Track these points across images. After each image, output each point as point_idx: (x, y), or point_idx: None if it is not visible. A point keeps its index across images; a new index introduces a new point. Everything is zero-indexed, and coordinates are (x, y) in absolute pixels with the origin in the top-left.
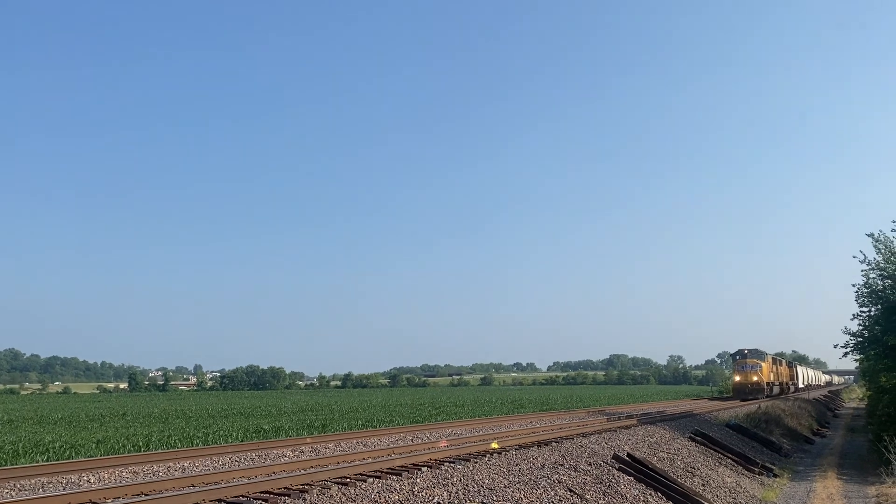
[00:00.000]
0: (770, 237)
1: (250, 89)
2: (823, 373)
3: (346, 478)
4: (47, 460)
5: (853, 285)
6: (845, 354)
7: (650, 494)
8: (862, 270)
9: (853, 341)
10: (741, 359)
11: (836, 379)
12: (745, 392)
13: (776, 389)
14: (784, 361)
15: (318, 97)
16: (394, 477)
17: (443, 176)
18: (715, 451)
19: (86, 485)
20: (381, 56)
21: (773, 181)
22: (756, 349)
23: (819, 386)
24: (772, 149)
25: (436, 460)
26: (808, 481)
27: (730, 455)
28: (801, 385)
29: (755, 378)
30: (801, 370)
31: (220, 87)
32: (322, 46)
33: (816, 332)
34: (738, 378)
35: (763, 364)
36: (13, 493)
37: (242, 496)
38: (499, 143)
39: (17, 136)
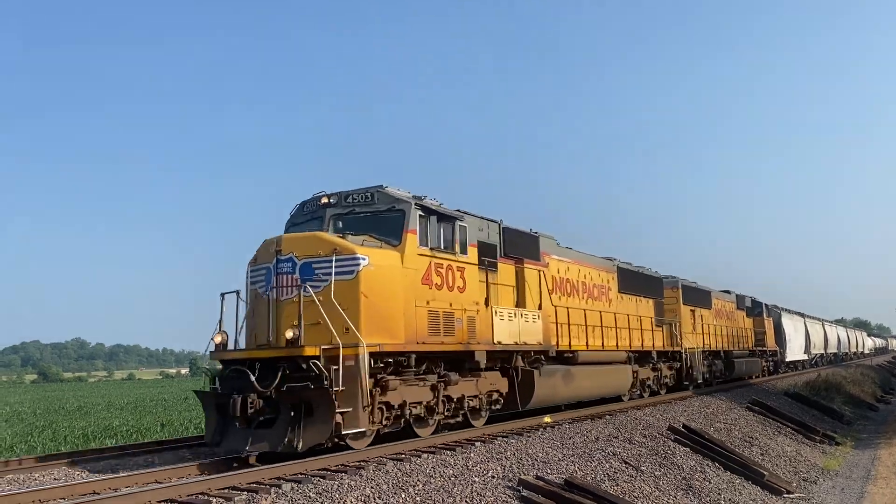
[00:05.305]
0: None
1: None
2: (870, 335)
3: (401, 453)
4: (116, 443)
5: None
6: None
7: (707, 465)
8: None
9: None
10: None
11: (894, 344)
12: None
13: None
14: (726, 298)
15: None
16: (448, 452)
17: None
18: (774, 420)
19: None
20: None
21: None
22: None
23: (858, 354)
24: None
25: (489, 435)
26: (871, 449)
27: (789, 424)
28: (793, 355)
29: (290, 334)
30: (792, 324)
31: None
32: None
33: (881, 298)
34: (217, 339)
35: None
36: (84, 475)
37: (300, 474)
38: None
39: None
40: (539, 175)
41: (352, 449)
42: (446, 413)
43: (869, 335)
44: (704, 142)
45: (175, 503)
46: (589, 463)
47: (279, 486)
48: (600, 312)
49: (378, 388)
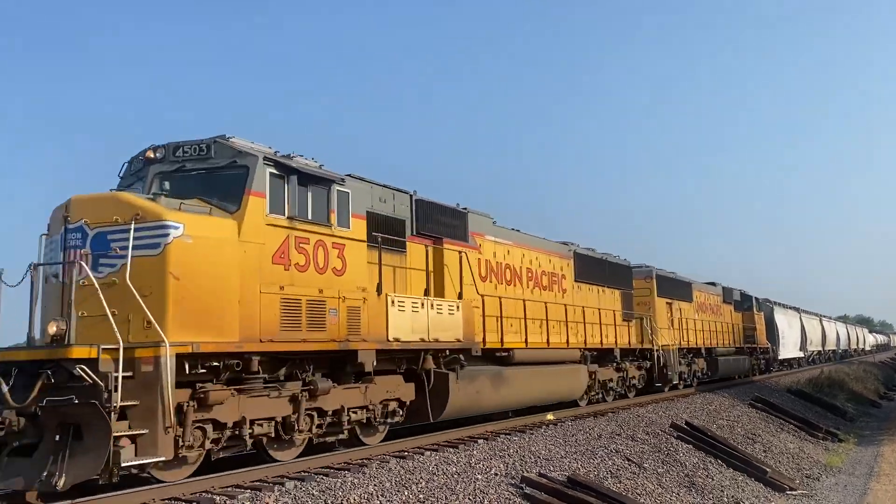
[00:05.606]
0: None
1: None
2: (872, 332)
3: (404, 451)
4: None
5: None
6: None
7: (710, 461)
8: None
9: None
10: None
11: None
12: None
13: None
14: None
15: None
16: (450, 449)
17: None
18: (777, 417)
19: None
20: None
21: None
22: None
23: (859, 351)
24: None
25: (491, 432)
26: (875, 445)
27: (792, 421)
28: (788, 353)
29: (52, 329)
30: (785, 319)
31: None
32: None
33: (884, 295)
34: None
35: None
36: None
37: (304, 472)
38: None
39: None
40: (539, 174)
41: (162, 482)
42: (317, 430)
43: (871, 332)
44: (705, 140)
45: (178, 502)
46: (591, 460)
47: (282, 484)
48: (546, 304)
49: (194, 402)
